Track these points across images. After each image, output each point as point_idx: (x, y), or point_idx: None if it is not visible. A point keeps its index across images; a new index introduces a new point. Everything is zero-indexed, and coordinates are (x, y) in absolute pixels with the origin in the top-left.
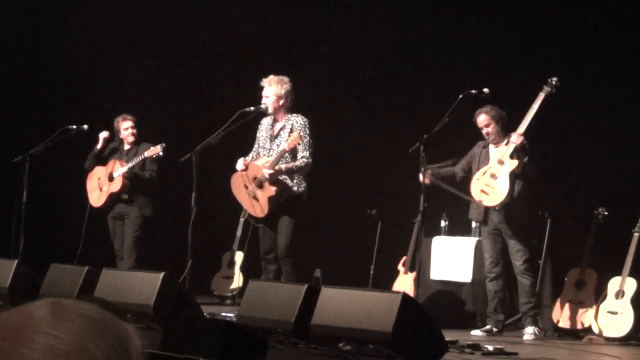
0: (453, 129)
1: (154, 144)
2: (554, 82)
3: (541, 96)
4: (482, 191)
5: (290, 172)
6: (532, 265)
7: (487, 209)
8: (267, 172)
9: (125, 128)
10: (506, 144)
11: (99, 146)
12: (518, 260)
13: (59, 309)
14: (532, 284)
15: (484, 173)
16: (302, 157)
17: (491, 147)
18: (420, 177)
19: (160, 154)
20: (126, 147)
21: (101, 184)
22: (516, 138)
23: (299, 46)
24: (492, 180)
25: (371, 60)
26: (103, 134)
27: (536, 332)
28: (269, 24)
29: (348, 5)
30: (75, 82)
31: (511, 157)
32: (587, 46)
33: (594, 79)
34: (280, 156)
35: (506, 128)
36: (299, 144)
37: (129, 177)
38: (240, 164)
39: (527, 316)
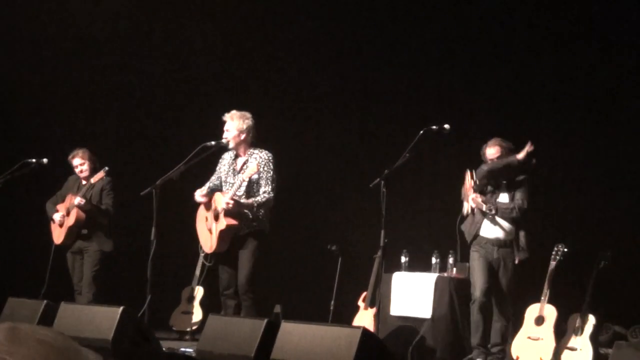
0: (414, 164)
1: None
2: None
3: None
4: None
5: (250, 208)
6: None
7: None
8: (225, 201)
9: (75, 166)
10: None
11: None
12: (502, 302)
13: (16, 333)
14: (505, 327)
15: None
16: (264, 192)
17: None
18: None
19: (104, 177)
20: (83, 182)
21: (61, 221)
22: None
23: (259, 79)
24: None
25: (331, 94)
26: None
27: None
28: (230, 59)
29: (307, 39)
30: (33, 114)
31: None
32: (556, 84)
33: (559, 118)
34: (239, 186)
35: None
36: (258, 174)
37: (84, 208)
38: (197, 195)
39: (495, 357)
